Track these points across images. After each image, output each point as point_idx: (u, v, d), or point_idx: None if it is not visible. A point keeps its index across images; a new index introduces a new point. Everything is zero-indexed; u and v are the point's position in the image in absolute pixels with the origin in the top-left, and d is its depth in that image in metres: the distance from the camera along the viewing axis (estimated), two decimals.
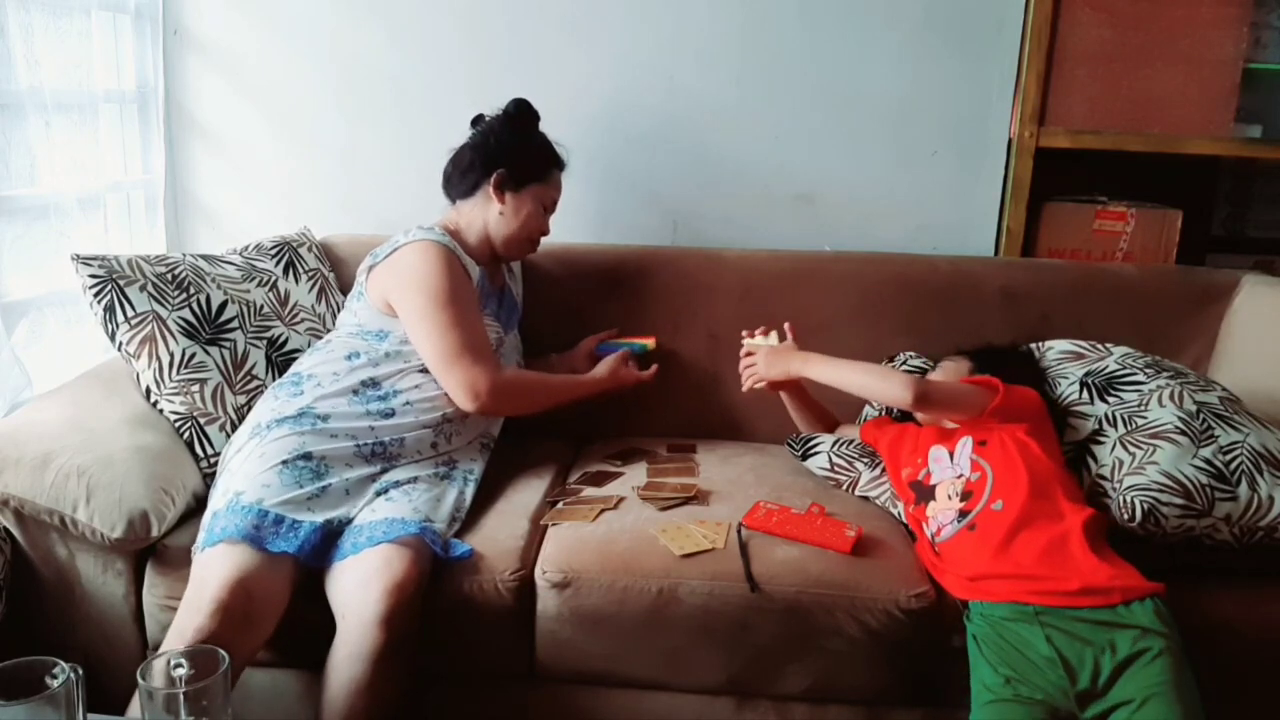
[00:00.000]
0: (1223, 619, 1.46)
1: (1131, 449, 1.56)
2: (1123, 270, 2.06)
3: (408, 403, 1.66)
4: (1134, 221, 2.10)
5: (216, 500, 1.51)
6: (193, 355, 1.69)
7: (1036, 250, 2.13)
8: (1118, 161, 2.09)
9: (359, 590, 1.38)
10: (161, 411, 1.69)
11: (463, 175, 1.82)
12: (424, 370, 1.68)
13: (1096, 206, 2.12)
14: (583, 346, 1.99)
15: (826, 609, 1.44)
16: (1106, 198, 2.14)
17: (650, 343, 1.98)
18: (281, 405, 1.62)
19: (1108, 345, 1.77)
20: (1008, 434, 1.53)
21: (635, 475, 1.77)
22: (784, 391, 1.83)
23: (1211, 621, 1.44)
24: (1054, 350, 1.79)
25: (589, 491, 1.71)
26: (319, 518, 1.47)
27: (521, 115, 1.84)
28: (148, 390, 1.70)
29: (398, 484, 1.57)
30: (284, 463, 1.52)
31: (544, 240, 1.93)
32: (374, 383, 1.66)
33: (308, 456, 1.54)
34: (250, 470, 1.52)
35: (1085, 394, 1.68)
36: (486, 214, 1.81)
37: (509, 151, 1.80)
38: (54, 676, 0.96)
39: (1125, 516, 1.50)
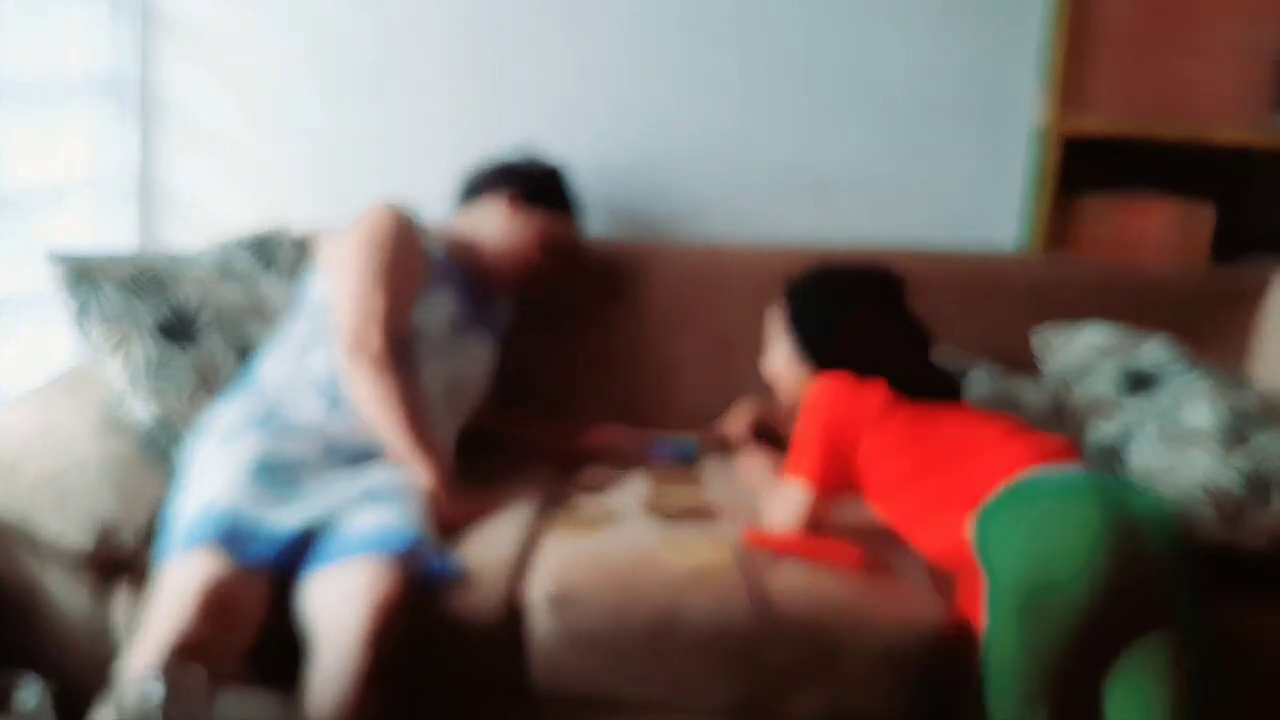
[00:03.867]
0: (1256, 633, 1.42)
1: (1164, 451, 1.54)
2: (1152, 268, 2.01)
3: None
4: (1165, 217, 2.04)
5: (183, 506, 1.46)
6: (168, 358, 1.64)
7: (1063, 246, 2.06)
8: (1147, 154, 2.03)
9: (342, 606, 1.33)
10: (134, 416, 1.64)
11: (480, 181, 1.86)
12: None
13: (1127, 201, 2.06)
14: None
15: (840, 629, 1.40)
16: (1136, 191, 2.07)
17: (696, 440, 1.89)
18: (243, 406, 1.58)
19: (1140, 340, 1.74)
20: None
21: (636, 486, 1.73)
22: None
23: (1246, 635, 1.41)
24: (1083, 340, 1.76)
25: (587, 502, 1.67)
26: (295, 518, 1.43)
27: (558, 171, 1.90)
28: (120, 394, 1.65)
29: (387, 491, 1.51)
30: (252, 465, 1.47)
31: None
32: (333, 376, 1.61)
33: (275, 457, 1.50)
34: (217, 475, 1.47)
35: (1117, 391, 1.66)
36: (489, 219, 1.82)
37: (527, 173, 1.86)
38: (22, 693, 0.94)
39: None
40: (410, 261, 1.68)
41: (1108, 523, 1.23)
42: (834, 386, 1.51)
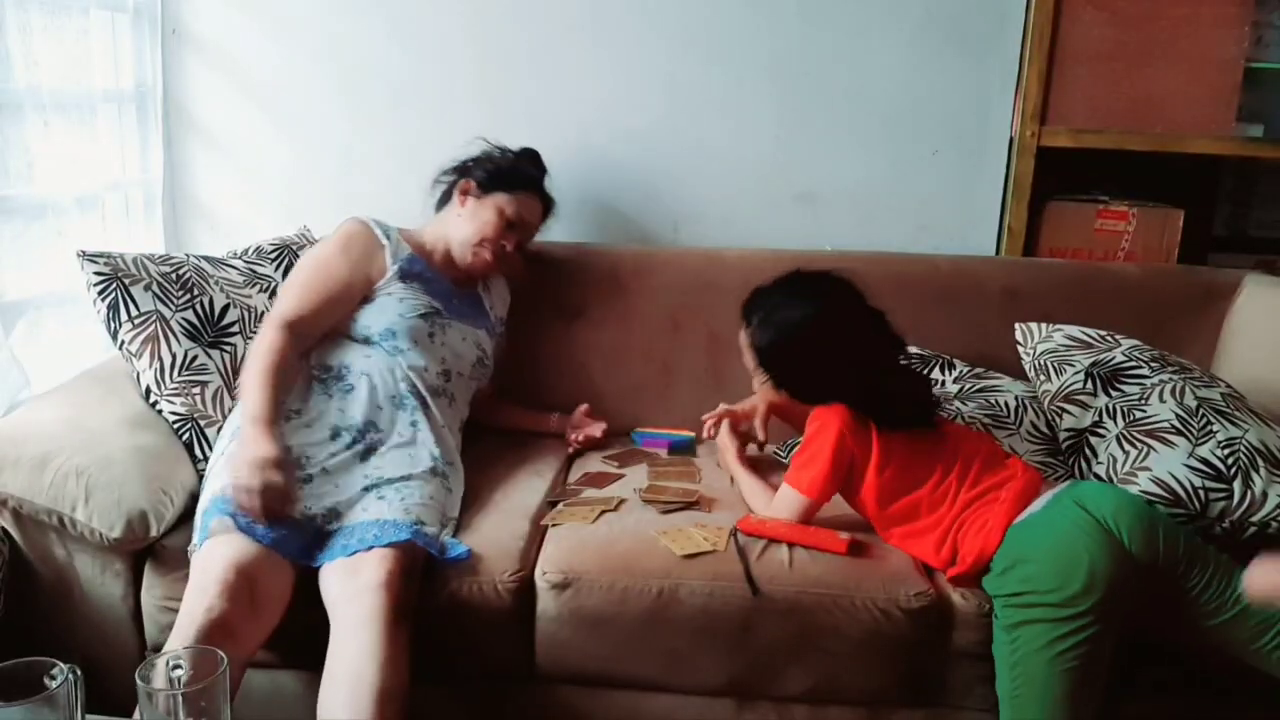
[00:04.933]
0: None
1: (1127, 447, 1.57)
2: (1124, 270, 2.06)
3: (363, 373, 1.67)
4: (1135, 221, 2.10)
5: (205, 501, 1.51)
6: (194, 357, 1.68)
7: (1038, 250, 2.12)
8: (1119, 161, 2.08)
9: (351, 576, 1.38)
10: (160, 412, 1.69)
11: (445, 179, 1.91)
12: (365, 341, 1.70)
13: (1098, 206, 2.11)
14: (577, 413, 1.96)
15: (827, 609, 1.44)
16: (1108, 197, 2.14)
17: (692, 435, 1.92)
18: None
19: (1116, 336, 1.77)
20: None
21: (636, 477, 1.77)
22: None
23: None
24: (1061, 333, 1.79)
25: (589, 492, 1.71)
26: (307, 510, 1.46)
27: (526, 153, 1.92)
28: (147, 390, 1.70)
29: (390, 481, 1.56)
30: None
31: (545, 238, 1.93)
32: (325, 366, 1.68)
33: (287, 450, 1.53)
34: (231, 467, 1.50)
35: (1089, 384, 1.69)
36: (449, 218, 1.87)
37: (484, 163, 1.88)
38: (52, 677, 0.95)
39: None
40: (352, 270, 1.73)
41: (1093, 534, 1.35)
42: (840, 420, 1.51)
